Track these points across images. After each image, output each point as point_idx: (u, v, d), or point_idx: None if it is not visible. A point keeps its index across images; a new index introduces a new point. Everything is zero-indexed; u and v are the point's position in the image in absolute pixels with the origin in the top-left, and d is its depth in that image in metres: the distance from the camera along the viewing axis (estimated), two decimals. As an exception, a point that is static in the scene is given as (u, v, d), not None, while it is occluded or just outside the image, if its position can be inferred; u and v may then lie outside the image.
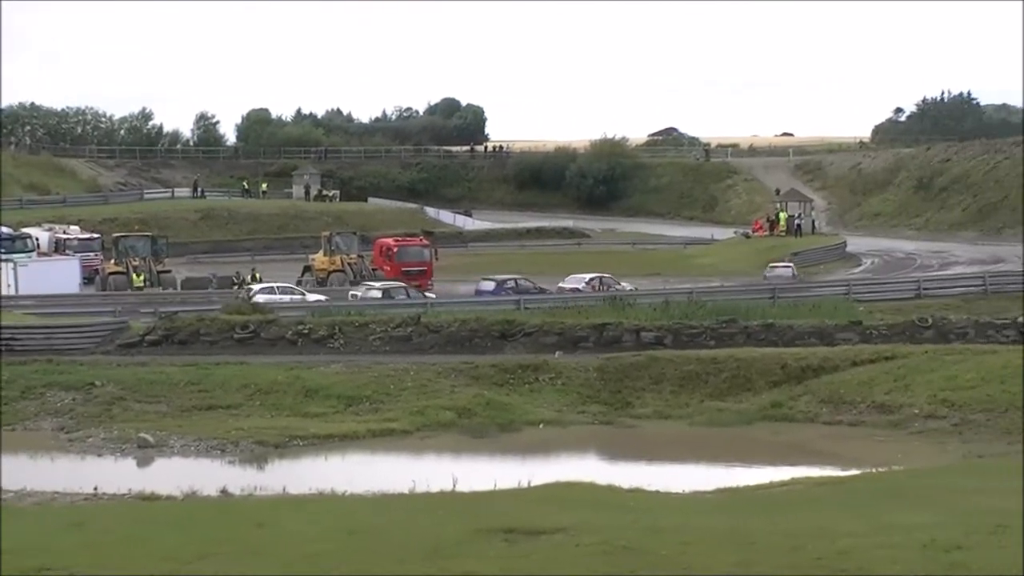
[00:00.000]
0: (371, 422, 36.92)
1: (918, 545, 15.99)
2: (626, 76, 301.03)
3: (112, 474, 30.81)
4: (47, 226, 75.97)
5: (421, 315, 46.17)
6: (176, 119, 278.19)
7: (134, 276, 61.94)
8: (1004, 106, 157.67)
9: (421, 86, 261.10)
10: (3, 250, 63.79)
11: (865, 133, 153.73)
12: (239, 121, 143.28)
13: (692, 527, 18.17)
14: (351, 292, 58.47)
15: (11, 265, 60.04)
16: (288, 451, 34.62)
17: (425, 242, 73.46)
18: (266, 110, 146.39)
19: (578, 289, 57.71)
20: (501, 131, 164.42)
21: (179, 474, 29.91)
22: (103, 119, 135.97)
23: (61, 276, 61.35)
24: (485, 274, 62.54)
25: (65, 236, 72.81)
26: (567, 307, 49.66)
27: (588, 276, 60.41)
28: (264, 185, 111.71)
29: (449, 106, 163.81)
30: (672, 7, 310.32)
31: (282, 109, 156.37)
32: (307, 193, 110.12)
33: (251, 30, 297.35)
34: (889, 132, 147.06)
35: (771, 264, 68.82)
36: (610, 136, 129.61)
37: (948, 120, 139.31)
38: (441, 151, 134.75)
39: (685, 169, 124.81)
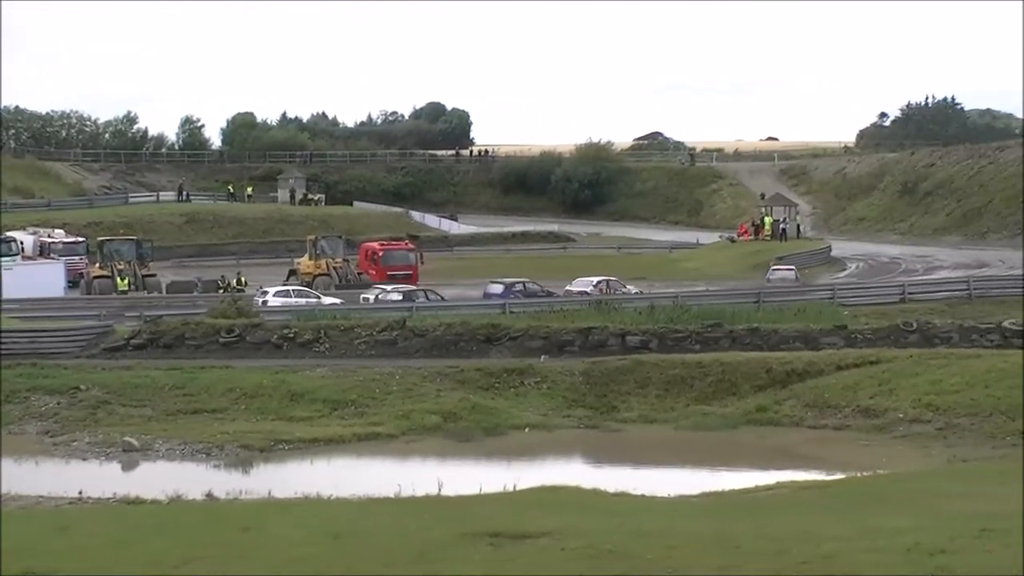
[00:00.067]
0: (356, 426, 36.90)
1: (902, 549, 16.04)
2: (612, 80, 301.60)
3: (97, 478, 30.68)
4: (31, 230, 75.68)
5: (406, 319, 46.15)
6: (161, 123, 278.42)
7: (119, 280, 61.76)
8: (988, 111, 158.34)
9: (407, 90, 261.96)
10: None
11: (850, 138, 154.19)
12: (224, 125, 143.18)
13: (677, 531, 18.20)
14: (363, 296, 58.50)
15: (-4, 269, 59.87)
16: (273, 455, 34.56)
17: (410, 246, 73.48)
18: (251, 114, 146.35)
19: (586, 292, 57.82)
20: (486, 135, 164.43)
21: (164, 478, 29.81)
22: (88, 123, 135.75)
23: (46, 280, 61.17)
24: (494, 277, 62.34)
25: (50, 240, 72.64)
26: (552, 311, 49.65)
27: (596, 279, 60.54)
28: (249, 189, 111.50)
29: (434, 110, 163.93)
30: (658, 11, 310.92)
31: (267, 113, 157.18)
32: (292, 197, 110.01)
33: (236, 34, 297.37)
34: (874, 137, 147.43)
35: (774, 267, 68.72)
36: (595, 140, 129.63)
37: (932, 125, 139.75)
38: (426, 155, 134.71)
39: (670, 173, 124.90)
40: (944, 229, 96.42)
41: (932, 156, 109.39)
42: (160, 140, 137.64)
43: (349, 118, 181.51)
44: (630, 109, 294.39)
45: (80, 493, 27.71)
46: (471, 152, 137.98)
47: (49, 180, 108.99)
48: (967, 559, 15.47)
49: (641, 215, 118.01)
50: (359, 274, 66.93)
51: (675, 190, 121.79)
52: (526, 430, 37.42)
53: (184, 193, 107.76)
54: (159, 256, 71.43)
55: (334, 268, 66.67)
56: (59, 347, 43.71)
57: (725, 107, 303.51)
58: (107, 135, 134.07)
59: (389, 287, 58.77)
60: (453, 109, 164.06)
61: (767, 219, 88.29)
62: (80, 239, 73.87)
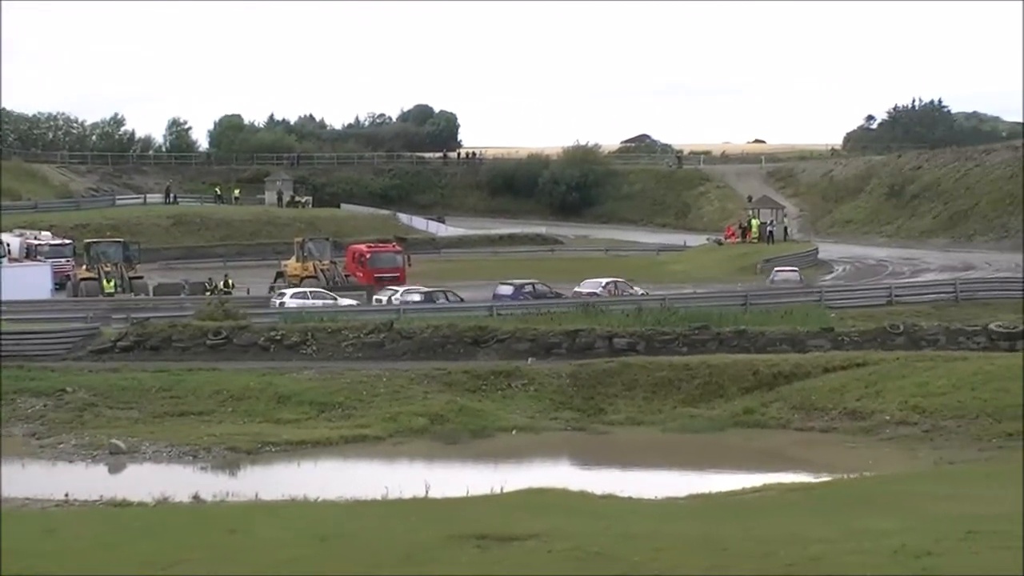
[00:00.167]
0: (344, 428, 36.90)
1: (889, 551, 16.07)
2: (599, 83, 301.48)
3: (84, 480, 30.64)
4: (18, 232, 75.52)
5: (393, 321, 46.12)
6: (148, 125, 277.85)
7: (106, 282, 61.57)
8: (975, 114, 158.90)
9: (394, 92, 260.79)
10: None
11: (837, 141, 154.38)
12: (211, 127, 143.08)
13: (664, 533, 18.22)
14: (376, 296, 58.39)
15: (-18, 271, 59.70)
16: (260, 457, 34.53)
17: (398, 248, 73.46)
18: (238, 116, 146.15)
19: (595, 293, 57.93)
20: (474, 138, 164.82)
21: (151, 480, 29.76)
22: (75, 124, 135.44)
23: (32, 282, 60.97)
24: (504, 278, 62.21)
25: (36, 242, 72.41)
26: (540, 313, 49.69)
27: (604, 280, 60.73)
28: (236, 191, 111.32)
29: (422, 112, 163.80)
30: (646, 14, 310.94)
31: (255, 115, 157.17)
32: (280, 199, 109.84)
33: (223, 35, 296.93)
34: (861, 140, 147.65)
35: (776, 268, 68.77)
36: (583, 143, 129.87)
37: (919, 128, 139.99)
38: (414, 157, 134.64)
39: (658, 176, 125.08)
40: (931, 232, 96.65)
41: (919, 159, 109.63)
42: (147, 142, 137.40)
43: (337, 120, 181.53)
44: (617, 112, 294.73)
45: (67, 495, 27.67)
46: (459, 154, 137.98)
47: (36, 182, 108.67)
48: (953, 561, 15.50)
49: (629, 217, 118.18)
50: (346, 276, 66.88)
51: (662, 192, 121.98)
52: (513, 432, 37.42)
53: (171, 195, 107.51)
54: (146, 258, 71.25)
55: (321, 270, 66.60)
56: (46, 349, 43.61)
57: (712, 110, 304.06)
58: (94, 137, 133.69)
59: (400, 289, 58.23)
60: (441, 111, 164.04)
61: (754, 222, 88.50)
62: (67, 241, 73.65)
